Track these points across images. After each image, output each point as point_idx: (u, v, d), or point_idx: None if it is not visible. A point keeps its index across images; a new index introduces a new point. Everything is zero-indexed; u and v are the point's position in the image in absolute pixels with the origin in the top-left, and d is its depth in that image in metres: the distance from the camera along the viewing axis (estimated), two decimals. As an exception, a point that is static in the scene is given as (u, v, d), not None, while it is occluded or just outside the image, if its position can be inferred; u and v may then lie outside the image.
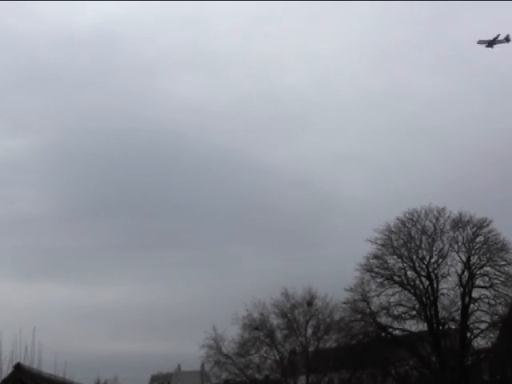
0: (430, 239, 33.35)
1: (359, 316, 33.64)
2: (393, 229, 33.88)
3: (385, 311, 33.17)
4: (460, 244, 32.99)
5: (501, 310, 31.93)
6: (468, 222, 33.10)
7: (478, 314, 32.18)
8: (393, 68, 52.72)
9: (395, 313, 33.06)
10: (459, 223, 33.23)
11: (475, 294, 32.32)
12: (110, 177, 78.44)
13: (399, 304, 33.13)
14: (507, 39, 51.78)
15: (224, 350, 38.21)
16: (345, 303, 34.16)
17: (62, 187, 76.27)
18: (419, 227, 33.66)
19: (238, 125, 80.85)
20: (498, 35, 51.24)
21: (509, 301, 31.76)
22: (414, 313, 33.07)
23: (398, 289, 33.27)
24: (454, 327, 32.77)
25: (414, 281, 33.31)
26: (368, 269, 33.57)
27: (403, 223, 33.87)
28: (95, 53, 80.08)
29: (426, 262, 33.09)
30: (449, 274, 32.97)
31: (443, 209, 33.52)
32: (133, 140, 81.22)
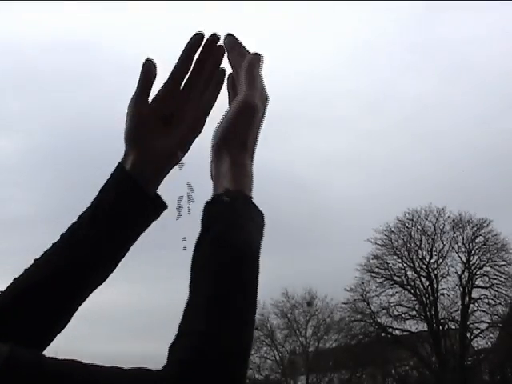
0: (430, 239, 33.38)
1: (359, 316, 33.65)
2: (393, 229, 33.90)
3: (385, 311, 33.19)
4: (460, 244, 33.04)
5: (501, 310, 31.96)
6: (468, 222, 33.13)
7: (478, 314, 32.20)
8: (385, 69, 52.56)
9: (395, 313, 33.09)
10: (459, 223, 33.26)
11: (475, 294, 32.35)
12: (100, 177, 78.51)
13: (399, 304, 33.14)
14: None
15: (224, 350, 38.24)
16: (345, 303, 34.18)
17: (51, 188, 76.28)
18: (419, 227, 33.69)
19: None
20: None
21: (509, 301, 31.75)
22: (414, 313, 33.09)
23: (398, 289, 33.31)
24: (453, 327, 32.77)
25: (414, 281, 33.34)
26: (368, 269, 33.60)
27: (403, 223, 33.89)
28: (81, 53, 79.93)
29: (426, 262, 33.12)
30: (449, 274, 33.03)
31: (443, 209, 33.54)
32: (121, 140, 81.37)
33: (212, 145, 0.94)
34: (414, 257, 33.34)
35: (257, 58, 0.99)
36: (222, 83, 1.08)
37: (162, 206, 1.09)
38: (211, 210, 0.89)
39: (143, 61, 1.05)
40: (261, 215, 0.89)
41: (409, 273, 33.45)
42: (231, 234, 0.85)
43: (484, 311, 32.01)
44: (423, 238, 33.52)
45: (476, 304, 32.18)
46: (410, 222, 33.84)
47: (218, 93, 1.09)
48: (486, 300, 31.99)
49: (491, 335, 31.99)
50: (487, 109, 52.80)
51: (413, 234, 33.70)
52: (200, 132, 1.08)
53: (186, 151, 1.08)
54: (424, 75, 58.95)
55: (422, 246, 33.39)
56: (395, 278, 33.47)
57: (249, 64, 0.97)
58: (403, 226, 33.91)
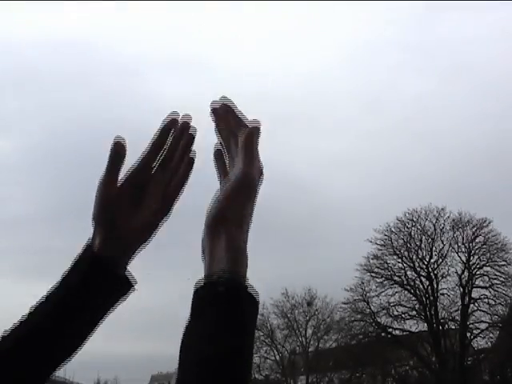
0: (430, 239, 33.36)
1: (359, 316, 33.64)
2: (393, 229, 33.87)
3: (385, 311, 33.19)
4: (460, 244, 33.02)
5: (501, 310, 31.94)
6: (468, 222, 33.11)
7: (477, 314, 32.17)
8: (385, 69, 52.45)
9: (395, 313, 33.08)
10: (459, 223, 33.24)
11: (475, 294, 32.32)
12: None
13: (399, 304, 33.14)
14: None
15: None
16: (345, 303, 34.17)
17: (50, 187, 76.27)
18: (419, 227, 33.66)
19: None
20: None
21: (509, 301, 31.75)
22: (414, 313, 33.09)
23: (398, 289, 33.30)
24: (453, 327, 32.76)
25: (413, 281, 33.33)
26: (368, 269, 33.59)
27: (403, 223, 33.86)
28: (80, 53, 79.84)
29: (426, 262, 33.10)
30: (449, 274, 33.01)
31: (443, 209, 33.51)
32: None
33: (207, 220, 0.91)
34: (414, 257, 33.34)
35: (255, 128, 0.96)
36: (192, 168, 1.09)
37: (131, 286, 1.05)
38: (204, 296, 0.87)
39: (112, 142, 1.05)
40: (255, 303, 0.87)
41: (409, 273, 33.47)
42: (223, 332, 0.82)
43: (484, 311, 32.01)
44: (423, 238, 33.53)
45: (476, 304, 32.18)
46: (410, 222, 33.86)
47: (188, 176, 1.08)
48: (486, 300, 31.99)
49: (491, 335, 31.99)
50: (487, 109, 52.75)
51: (413, 234, 33.71)
52: (168, 214, 1.06)
53: (155, 233, 1.06)
54: (424, 75, 58.93)
55: (422, 246, 33.40)
56: (395, 278, 33.47)
57: (247, 136, 0.95)
58: (403, 226, 33.92)
